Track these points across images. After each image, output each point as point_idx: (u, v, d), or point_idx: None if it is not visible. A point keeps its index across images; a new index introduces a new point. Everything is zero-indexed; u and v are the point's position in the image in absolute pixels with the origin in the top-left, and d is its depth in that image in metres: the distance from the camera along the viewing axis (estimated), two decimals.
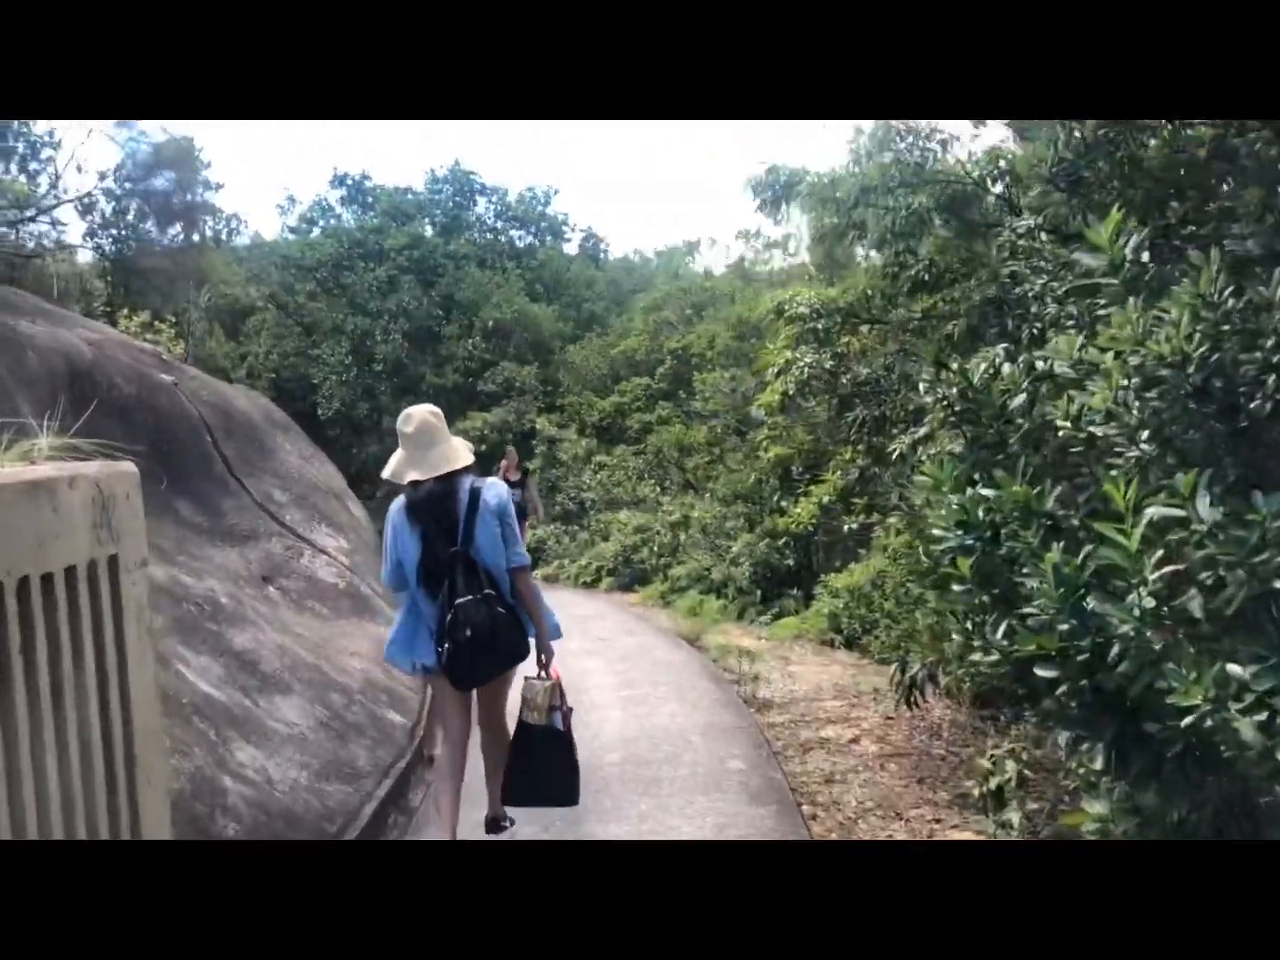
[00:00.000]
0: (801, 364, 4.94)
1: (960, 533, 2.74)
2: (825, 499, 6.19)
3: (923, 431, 3.82)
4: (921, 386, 3.14)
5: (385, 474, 3.93)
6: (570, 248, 28.17)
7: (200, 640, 4.35)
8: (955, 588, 2.97)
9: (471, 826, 3.98)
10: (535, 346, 21.56)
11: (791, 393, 5.46)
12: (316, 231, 27.93)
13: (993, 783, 3.53)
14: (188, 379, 7.49)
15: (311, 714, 4.64)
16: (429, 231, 25.58)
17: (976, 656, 2.72)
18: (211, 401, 7.61)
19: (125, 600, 2.31)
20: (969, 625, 2.86)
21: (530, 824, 4.14)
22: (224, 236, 21.78)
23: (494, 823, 4.05)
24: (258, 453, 7.80)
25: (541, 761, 3.82)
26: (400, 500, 3.88)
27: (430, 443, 3.84)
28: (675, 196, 61.73)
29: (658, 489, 14.58)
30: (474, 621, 3.62)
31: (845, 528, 5.67)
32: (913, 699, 4.58)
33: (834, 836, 4.16)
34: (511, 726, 3.91)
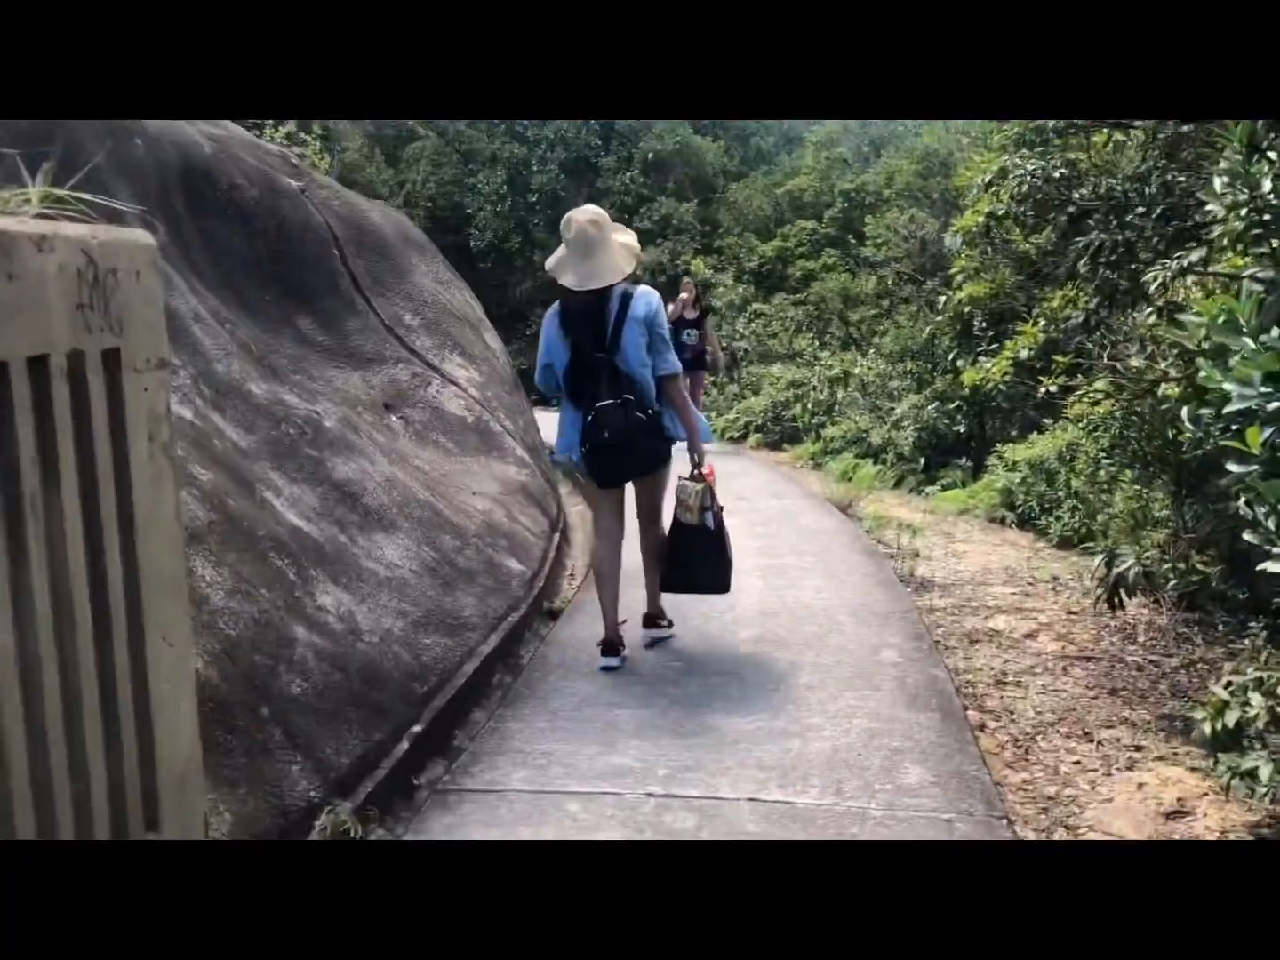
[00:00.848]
0: (1020, 172, 3.98)
1: (1268, 389, 1.92)
2: (1025, 352, 5.26)
3: (1195, 256, 2.91)
4: (1217, 183, 2.25)
5: (547, 265, 4.14)
6: None
7: (296, 467, 3.95)
8: (1234, 467, 2.18)
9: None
10: (696, 183, 20.38)
11: (1002, 213, 4.46)
12: None
13: (1229, 718, 2.77)
14: (318, 188, 7.01)
15: (417, 555, 4.24)
16: None
17: (1270, 566, 1.94)
18: (342, 214, 7.13)
19: (131, 409, 1.79)
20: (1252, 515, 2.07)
21: (657, 691, 3.77)
22: None
23: (651, 620, 4.39)
24: (390, 272, 7.34)
25: (696, 556, 4.15)
26: (555, 305, 4.07)
27: (587, 252, 3.93)
28: None
29: (816, 343, 13.60)
30: (611, 425, 3.84)
31: (1042, 391, 4.76)
32: (1118, 599, 3.80)
33: (1008, 754, 3.52)
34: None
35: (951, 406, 8.21)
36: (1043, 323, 5.30)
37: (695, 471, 4.15)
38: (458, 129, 28.34)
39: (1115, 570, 3.75)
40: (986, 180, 4.63)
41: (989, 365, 5.99)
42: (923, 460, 8.36)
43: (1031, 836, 2.96)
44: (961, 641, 4.76)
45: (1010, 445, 7.63)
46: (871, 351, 10.61)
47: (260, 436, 3.91)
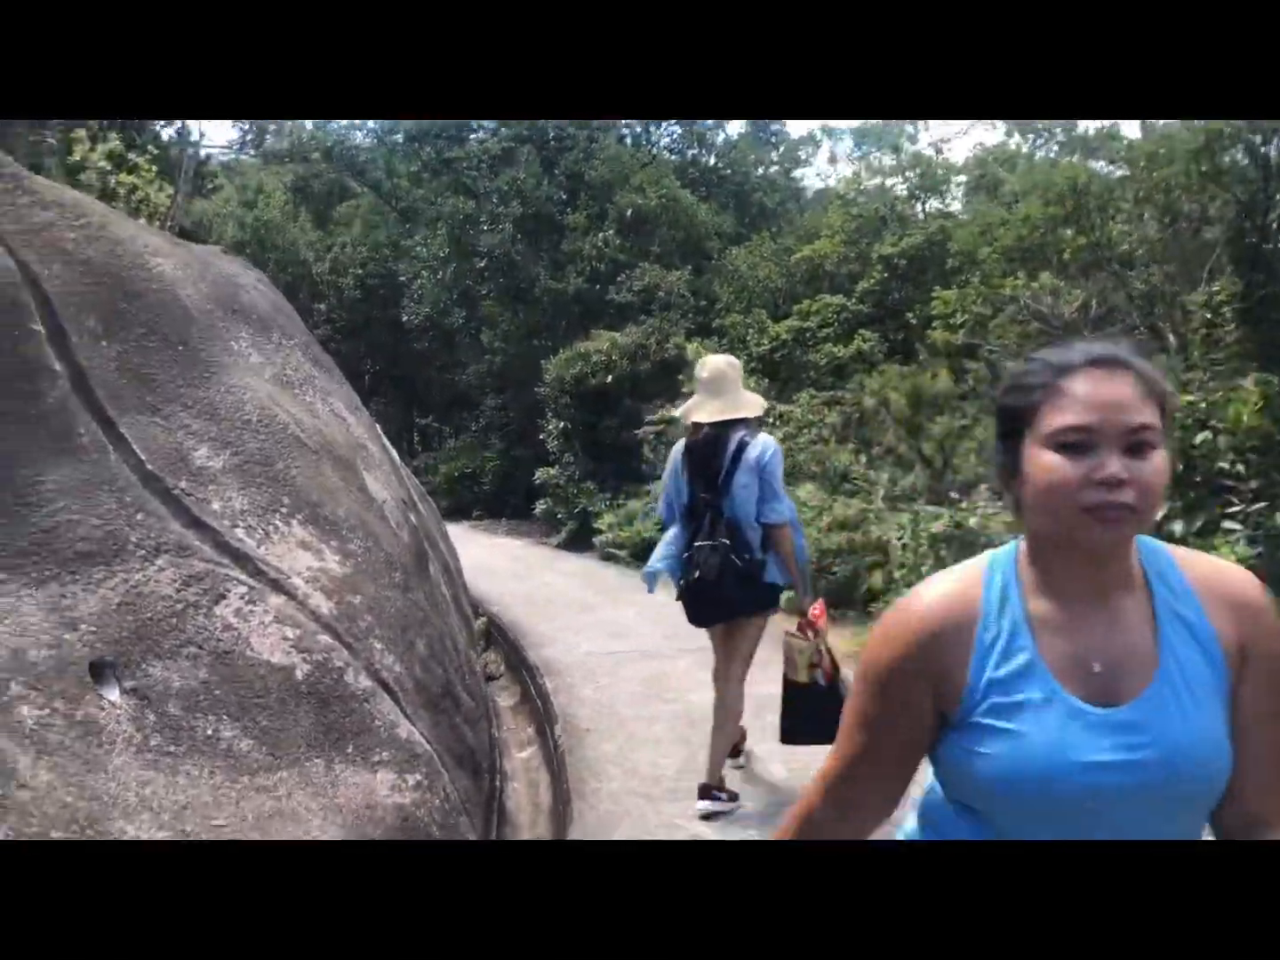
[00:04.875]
0: None
1: None
2: None
3: None
4: None
5: (677, 414, 4.89)
6: (733, 124, 24.02)
7: None
8: None
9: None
10: (685, 246, 17.71)
11: None
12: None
13: None
14: (30, 206, 3.99)
15: None
16: None
17: None
18: (93, 261, 4.14)
19: None
20: None
21: None
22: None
23: (705, 790, 4.27)
24: (182, 368, 4.32)
25: (810, 712, 4.10)
26: (681, 442, 4.57)
27: (719, 390, 4.39)
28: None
29: (860, 458, 10.68)
30: (703, 566, 4.17)
31: None
32: None
33: None
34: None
35: None
36: None
37: (801, 623, 4.26)
38: (395, 182, 25.76)
39: None
40: None
41: None
42: None
43: None
44: None
45: None
46: (987, 490, 7.66)
47: None
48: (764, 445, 4.30)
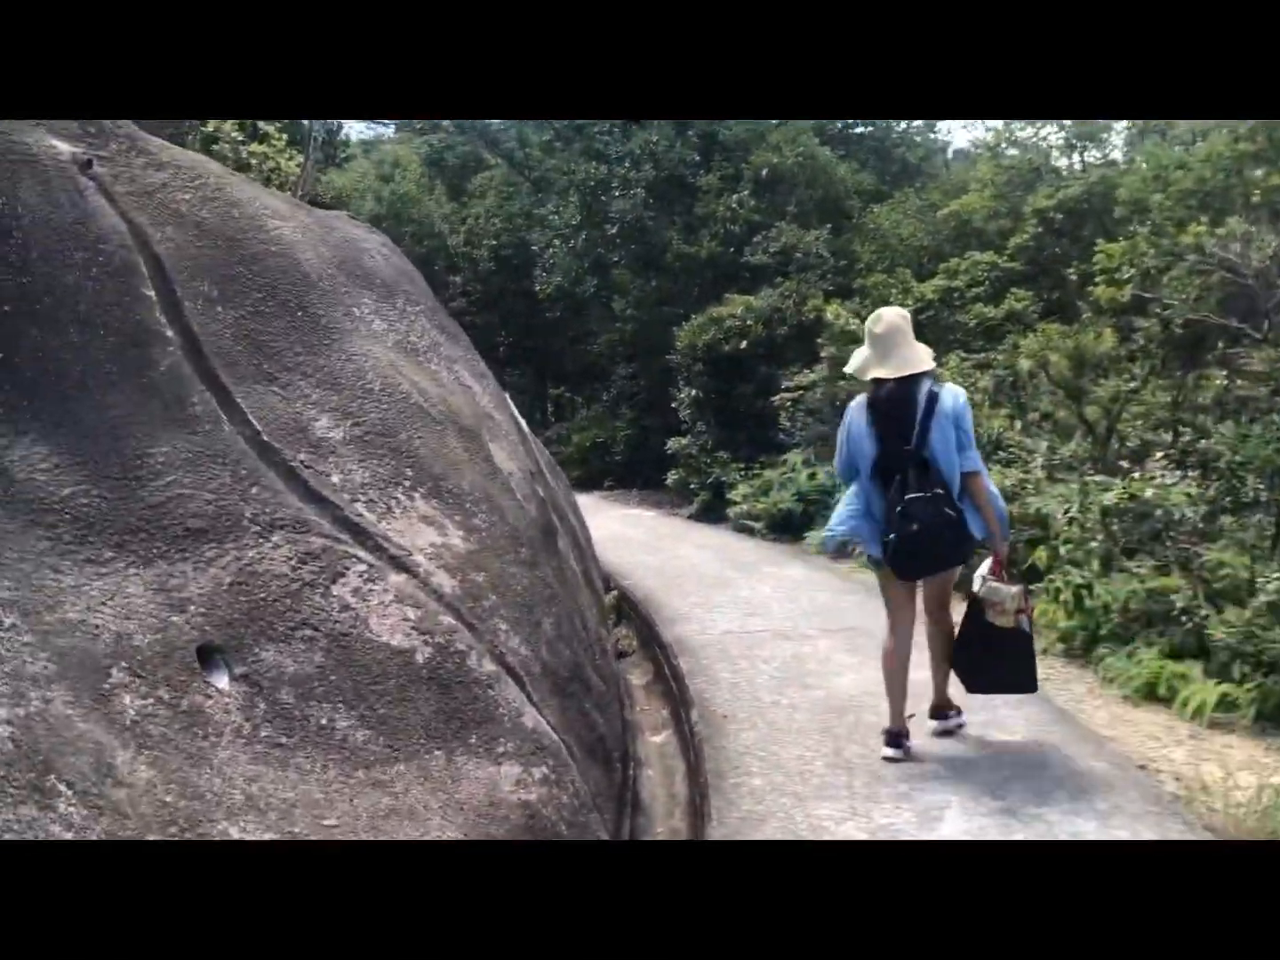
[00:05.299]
0: None
1: None
2: None
3: None
4: None
5: (848, 369, 4.74)
6: None
7: None
8: None
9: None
10: (824, 206, 17.02)
11: None
12: None
13: None
14: (144, 167, 3.85)
15: None
16: None
17: None
18: (206, 224, 4.01)
19: None
20: None
21: None
22: None
23: (939, 710, 4.72)
24: (301, 335, 4.17)
25: (1008, 657, 4.41)
26: (861, 398, 4.54)
27: (895, 344, 4.43)
28: None
29: (1015, 424, 10.01)
30: (922, 517, 4.19)
31: None
32: None
33: None
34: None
35: None
36: None
37: (997, 569, 4.44)
38: (528, 152, 25.71)
39: None
40: None
41: None
42: None
43: None
44: None
45: None
46: (1162, 458, 7.03)
47: None
48: (956, 394, 4.40)
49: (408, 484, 3.98)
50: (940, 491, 4.23)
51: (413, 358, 4.72)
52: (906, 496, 4.22)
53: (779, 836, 3.53)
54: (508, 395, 6.43)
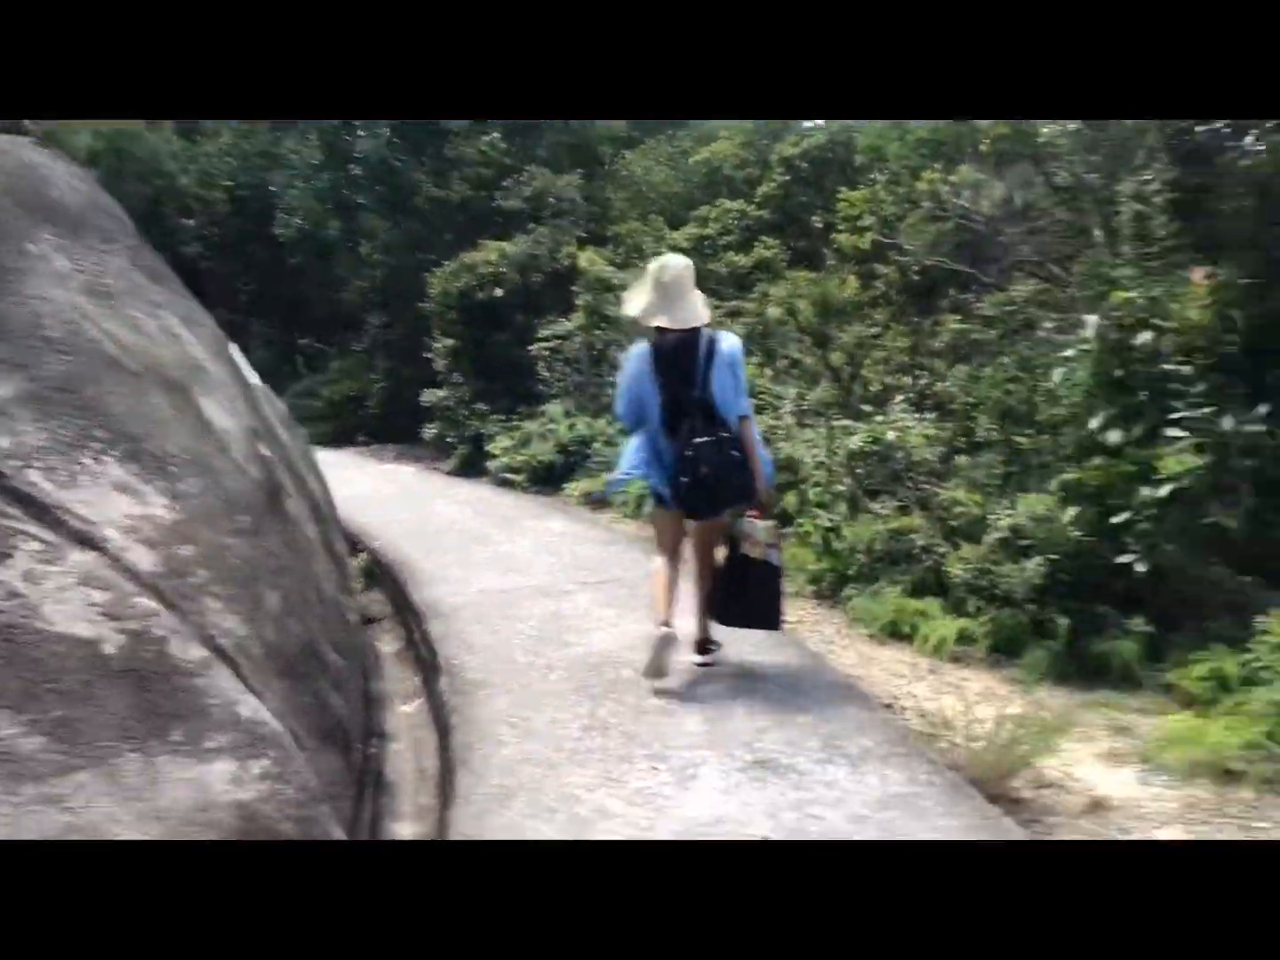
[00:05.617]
0: None
1: None
2: None
3: None
4: None
5: (631, 313, 4.78)
6: None
7: None
8: None
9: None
10: (576, 151, 16.76)
11: None
12: None
13: None
14: None
15: None
16: None
17: None
18: None
19: None
20: None
21: None
22: None
23: (703, 645, 4.90)
24: None
25: (754, 590, 4.63)
26: (644, 346, 4.65)
27: (680, 293, 4.56)
28: None
29: (766, 371, 10.17)
30: (712, 460, 4.39)
31: None
32: None
33: None
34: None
35: (1121, 517, 4.83)
36: None
37: (756, 508, 4.63)
38: None
39: None
40: None
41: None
42: (1063, 619, 4.95)
43: None
44: None
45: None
46: (902, 401, 7.24)
47: None
48: (733, 341, 4.59)
49: (97, 447, 3.49)
50: (726, 435, 4.42)
51: (105, 302, 4.16)
52: (695, 441, 4.38)
53: (526, 811, 3.33)
54: (234, 346, 5.86)
